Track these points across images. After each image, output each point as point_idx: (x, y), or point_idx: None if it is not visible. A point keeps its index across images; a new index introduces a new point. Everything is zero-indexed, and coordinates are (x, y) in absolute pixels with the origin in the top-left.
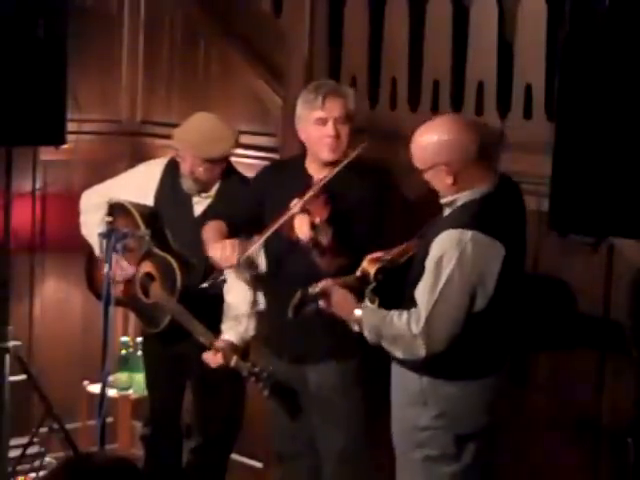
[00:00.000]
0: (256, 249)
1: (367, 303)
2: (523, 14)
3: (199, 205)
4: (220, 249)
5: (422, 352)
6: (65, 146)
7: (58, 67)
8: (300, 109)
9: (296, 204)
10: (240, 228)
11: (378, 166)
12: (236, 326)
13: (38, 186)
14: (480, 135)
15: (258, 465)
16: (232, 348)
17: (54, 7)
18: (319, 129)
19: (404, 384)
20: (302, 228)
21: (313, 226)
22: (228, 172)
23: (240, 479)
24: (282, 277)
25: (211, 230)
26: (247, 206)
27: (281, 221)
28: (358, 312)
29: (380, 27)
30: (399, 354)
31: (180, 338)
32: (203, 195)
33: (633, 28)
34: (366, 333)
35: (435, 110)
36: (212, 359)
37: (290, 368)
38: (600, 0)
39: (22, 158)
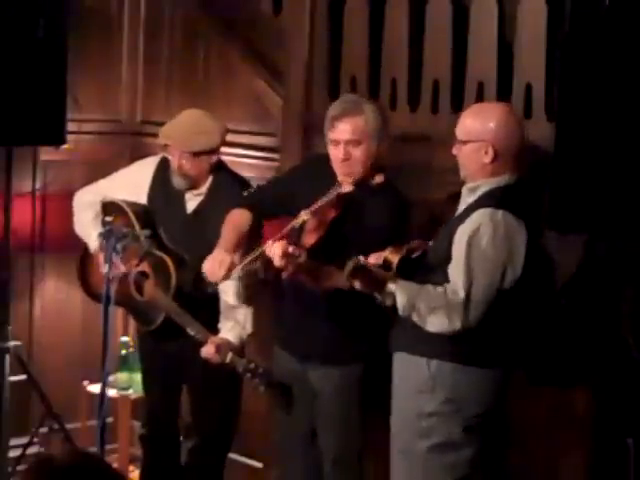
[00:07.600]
0: (251, 262)
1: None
2: (523, 14)
3: (191, 202)
4: (210, 263)
5: (458, 324)
6: (65, 146)
7: (58, 67)
8: (325, 123)
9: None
10: (268, 212)
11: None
12: (234, 326)
13: (38, 186)
14: (525, 135)
15: (258, 465)
16: (229, 345)
17: (54, 7)
18: (332, 150)
19: (410, 372)
20: (275, 255)
21: (286, 255)
22: (219, 169)
23: (240, 479)
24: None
25: (228, 227)
26: (279, 192)
27: (284, 231)
28: (392, 286)
29: (380, 27)
30: (432, 326)
31: (175, 336)
32: (194, 192)
33: (633, 28)
34: (399, 304)
35: (435, 110)
36: (210, 352)
37: (295, 365)
38: (600, 0)
39: (22, 158)
